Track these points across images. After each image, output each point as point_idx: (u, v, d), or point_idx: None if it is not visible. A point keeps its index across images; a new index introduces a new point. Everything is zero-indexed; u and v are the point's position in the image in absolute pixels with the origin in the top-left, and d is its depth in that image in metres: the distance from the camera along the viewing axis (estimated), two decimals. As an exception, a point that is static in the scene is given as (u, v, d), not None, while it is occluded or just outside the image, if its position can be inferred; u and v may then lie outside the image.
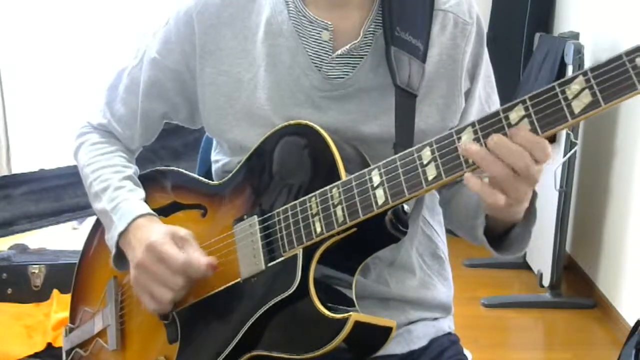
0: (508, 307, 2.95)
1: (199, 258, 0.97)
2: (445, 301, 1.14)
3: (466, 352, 1.14)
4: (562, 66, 2.84)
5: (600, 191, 2.91)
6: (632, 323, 2.00)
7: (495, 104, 1.12)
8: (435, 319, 1.12)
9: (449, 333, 1.14)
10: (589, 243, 3.03)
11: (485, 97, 1.11)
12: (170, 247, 0.97)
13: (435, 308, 1.12)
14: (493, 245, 0.99)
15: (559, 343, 2.80)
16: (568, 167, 2.83)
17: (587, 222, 3.08)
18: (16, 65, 3.69)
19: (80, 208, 2.34)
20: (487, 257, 3.34)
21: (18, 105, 3.74)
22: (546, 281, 2.97)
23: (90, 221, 2.47)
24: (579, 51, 2.71)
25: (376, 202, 0.87)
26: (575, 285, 3.07)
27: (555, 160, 2.75)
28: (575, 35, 2.91)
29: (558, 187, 2.82)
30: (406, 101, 1.00)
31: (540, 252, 3.08)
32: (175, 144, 2.29)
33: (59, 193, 2.34)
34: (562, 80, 0.75)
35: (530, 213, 0.92)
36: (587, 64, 2.80)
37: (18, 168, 3.68)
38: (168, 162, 2.23)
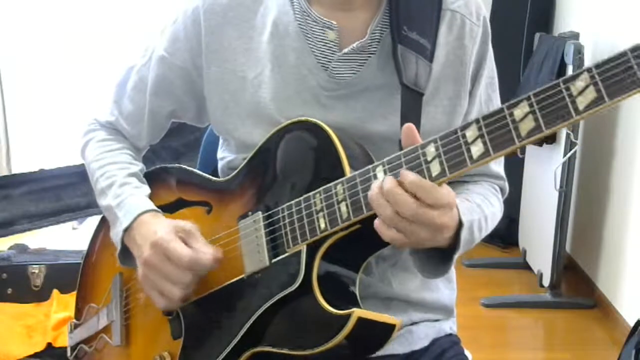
0: (508, 307, 2.95)
1: (205, 252, 0.97)
2: (448, 303, 1.14)
3: (467, 353, 1.14)
4: (562, 66, 2.84)
5: (600, 191, 2.91)
6: (632, 323, 2.00)
7: (495, 106, 1.11)
8: (437, 320, 1.12)
9: (450, 334, 1.14)
10: (589, 243, 3.03)
11: (486, 99, 1.11)
12: (176, 243, 0.97)
13: (437, 310, 1.12)
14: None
15: (559, 343, 2.80)
16: (568, 167, 2.83)
17: (587, 222, 3.08)
18: (16, 65, 3.69)
19: (80, 208, 2.34)
20: (487, 257, 3.34)
21: (18, 105, 3.74)
22: (546, 281, 2.97)
23: (90, 221, 2.48)
24: (579, 51, 2.71)
25: None
26: (575, 285, 3.07)
27: (555, 160, 2.75)
28: (575, 35, 2.91)
29: (558, 187, 2.82)
30: (412, 99, 1.00)
31: (540, 252, 3.08)
32: (175, 144, 2.29)
33: (59, 193, 2.33)
34: (567, 77, 0.75)
35: (456, 242, 0.91)
36: (587, 64, 2.79)
37: (18, 168, 3.69)
38: (168, 162, 2.23)
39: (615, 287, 2.78)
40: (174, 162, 2.25)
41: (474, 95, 1.08)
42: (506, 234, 3.41)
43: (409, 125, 0.85)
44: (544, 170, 2.96)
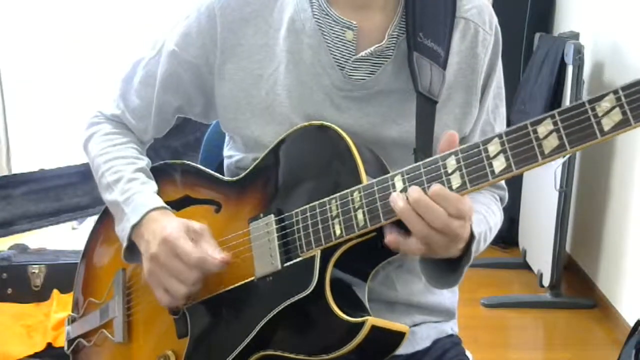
0: (508, 307, 2.96)
1: (214, 253, 0.96)
2: (450, 306, 1.14)
3: (468, 353, 1.14)
4: (562, 66, 2.84)
5: (600, 191, 2.91)
6: (632, 323, 2.00)
7: (501, 116, 1.12)
8: (439, 322, 1.13)
9: (452, 335, 1.14)
10: (589, 243, 3.03)
11: (493, 108, 1.11)
12: (185, 241, 0.96)
13: (439, 312, 1.13)
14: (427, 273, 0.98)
15: (559, 343, 2.80)
16: (568, 167, 2.83)
17: (587, 222, 3.08)
18: (16, 65, 3.69)
19: (80, 208, 2.34)
20: (487, 257, 3.34)
21: (18, 105, 3.73)
22: (546, 281, 2.97)
23: (90, 221, 2.48)
24: (579, 51, 2.71)
25: None
26: (575, 285, 3.07)
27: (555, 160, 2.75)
28: (575, 35, 2.91)
29: (558, 187, 2.82)
30: (427, 107, 1.00)
31: (540, 252, 3.08)
32: (175, 144, 2.29)
33: (59, 193, 2.33)
34: (593, 97, 0.74)
35: (465, 254, 0.92)
36: (587, 64, 2.80)
37: (18, 168, 3.69)
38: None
39: (615, 287, 2.78)
40: (174, 161, 2.25)
41: (483, 104, 1.08)
42: (506, 234, 3.41)
43: (453, 134, 0.84)
44: (544, 170, 2.96)
